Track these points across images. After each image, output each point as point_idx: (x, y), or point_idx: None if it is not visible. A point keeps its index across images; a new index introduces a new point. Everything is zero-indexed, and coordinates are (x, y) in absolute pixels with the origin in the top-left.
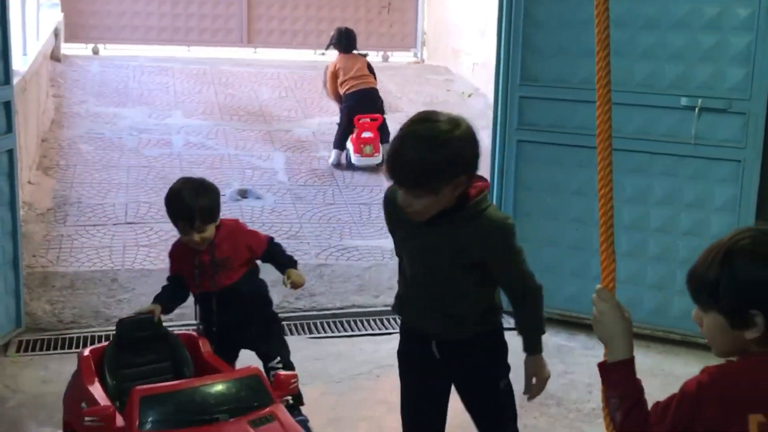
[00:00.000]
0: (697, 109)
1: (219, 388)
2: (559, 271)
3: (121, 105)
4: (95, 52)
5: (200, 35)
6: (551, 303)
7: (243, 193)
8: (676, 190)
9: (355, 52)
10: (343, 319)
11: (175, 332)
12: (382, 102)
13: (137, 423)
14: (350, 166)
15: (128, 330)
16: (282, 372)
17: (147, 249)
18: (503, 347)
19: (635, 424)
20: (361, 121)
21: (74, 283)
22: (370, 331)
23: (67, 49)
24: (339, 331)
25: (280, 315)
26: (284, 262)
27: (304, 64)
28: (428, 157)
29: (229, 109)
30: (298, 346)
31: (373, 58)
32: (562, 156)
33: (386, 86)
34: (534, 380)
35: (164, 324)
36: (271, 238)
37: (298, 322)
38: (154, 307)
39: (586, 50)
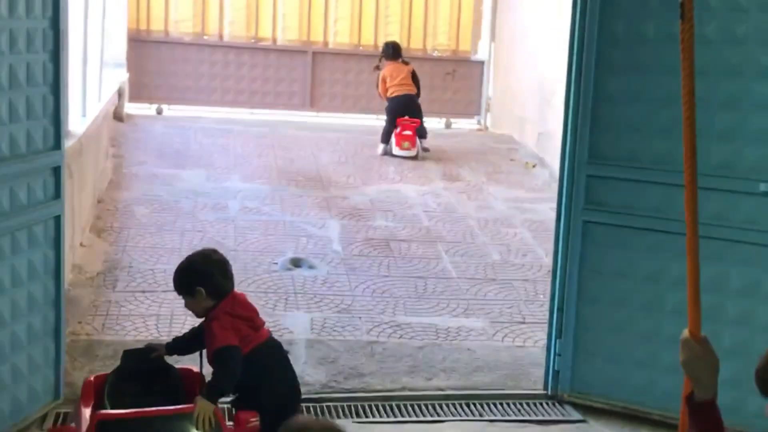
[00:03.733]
0: None
1: (177, 420)
2: (624, 361)
3: (180, 167)
4: (159, 112)
5: (263, 98)
6: (615, 394)
7: (296, 263)
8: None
9: (401, 60)
10: (393, 403)
11: (177, 366)
12: (419, 107)
13: None
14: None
15: (130, 361)
16: (242, 411)
17: (194, 317)
18: None
19: None
20: (403, 122)
21: (118, 352)
22: (420, 418)
23: (131, 108)
24: (388, 416)
25: (326, 396)
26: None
27: (366, 129)
28: None
29: (287, 173)
30: None
31: (436, 124)
32: (632, 239)
33: (447, 155)
34: None
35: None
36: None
37: (345, 404)
38: (160, 347)
39: (660, 128)
